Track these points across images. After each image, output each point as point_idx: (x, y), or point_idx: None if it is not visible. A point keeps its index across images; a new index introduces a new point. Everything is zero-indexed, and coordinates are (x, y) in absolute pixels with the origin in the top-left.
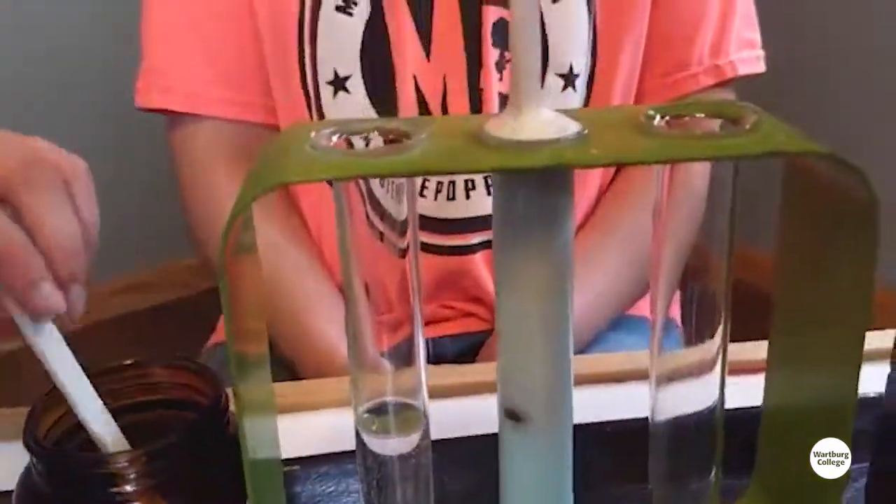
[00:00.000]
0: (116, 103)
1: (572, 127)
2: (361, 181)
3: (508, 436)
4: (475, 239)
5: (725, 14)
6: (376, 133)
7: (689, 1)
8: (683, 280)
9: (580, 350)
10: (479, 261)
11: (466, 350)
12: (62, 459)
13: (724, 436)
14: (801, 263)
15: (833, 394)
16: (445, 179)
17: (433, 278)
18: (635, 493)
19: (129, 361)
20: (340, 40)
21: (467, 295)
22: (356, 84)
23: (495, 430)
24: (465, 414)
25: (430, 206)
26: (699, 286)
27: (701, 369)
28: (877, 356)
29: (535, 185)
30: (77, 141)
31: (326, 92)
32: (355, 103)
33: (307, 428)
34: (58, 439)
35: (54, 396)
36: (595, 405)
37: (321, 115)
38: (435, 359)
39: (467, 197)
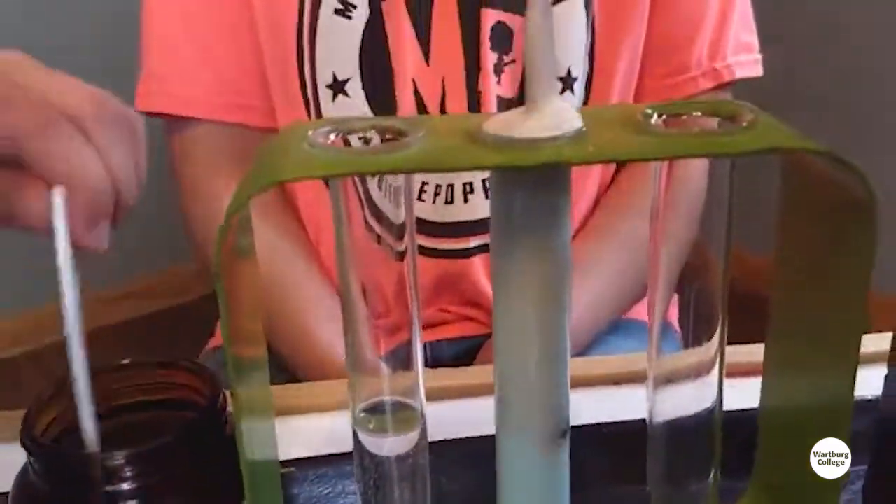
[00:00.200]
0: None
1: (570, 125)
2: (359, 184)
3: (505, 437)
4: (473, 242)
5: (723, 18)
6: (373, 132)
7: (688, 5)
8: (681, 283)
9: (578, 354)
10: (477, 264)
11: (464, 354)
12: (59, 457)
13: (723, 437)
14: (799, 263)
15: (830, 395)
16: (444, 183)
17: (431, 282)
18: (633, 495)
19: (127, 361)
20: (339, 43)
21: (465, 299)
22: (355, 87)
23: (492, 431)
24: (462, 416)
25: (429, 209)
26: (697, 289)
27: (699, 372)
28: (874, 359)
29: (533, 183)
30: None
31: (325, 95)
32: (354, 106)
33: (304, 430)
34: (55, 438)
35: (51, 396)
36: (592, 407)
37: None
38: (432, 362)
39: (465, 200)
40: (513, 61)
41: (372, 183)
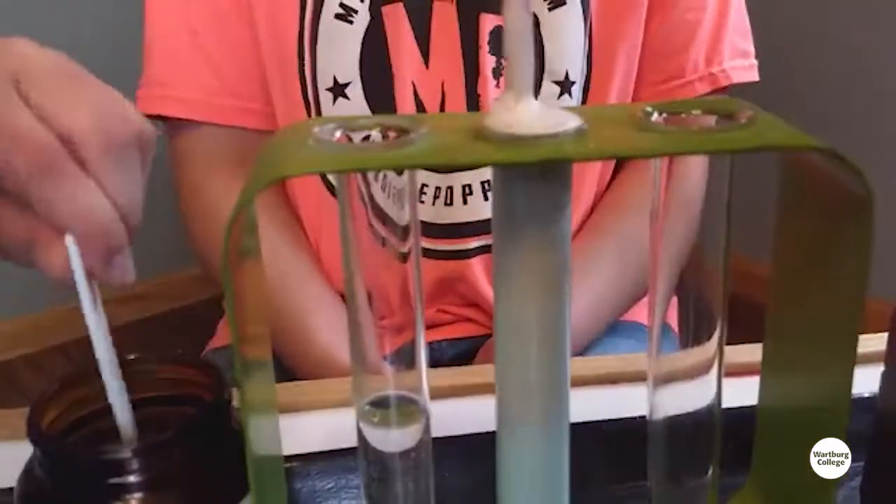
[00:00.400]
0: None
1: (571, 122)
2: (363, 187)
3: (506, 434)
4: (473, 243)
5: (719, 23)
6: (377, 130)
7: (684, 10)
8: (681, 282)
9: (578, 354)
10: (476, 266)
11: (463, 354)
12: (66, 451)
13: (722, 435)
14: (797, 262)
15: (828, 394)
16: (443, 185)
17: (431, 283)
18: (632, 492)
19: (132, 357)
20: (340, 47)
21: (465, 299)
22: (355, 91)
23: (493, 429)
24: (463, 414)
25: (429, 210)
26: (696, 289)
27: (698, 371)
28: (872, 358)
29: (535, 179)
30: None
31: (326, 98)
32: (354, 110)
33: (309, 427)
34: (61, 433)
35: (57, 391)
36: (591, 406)
37: None
38: (432, 363)
39: (464, 202)
40: None
41: (375, 185)
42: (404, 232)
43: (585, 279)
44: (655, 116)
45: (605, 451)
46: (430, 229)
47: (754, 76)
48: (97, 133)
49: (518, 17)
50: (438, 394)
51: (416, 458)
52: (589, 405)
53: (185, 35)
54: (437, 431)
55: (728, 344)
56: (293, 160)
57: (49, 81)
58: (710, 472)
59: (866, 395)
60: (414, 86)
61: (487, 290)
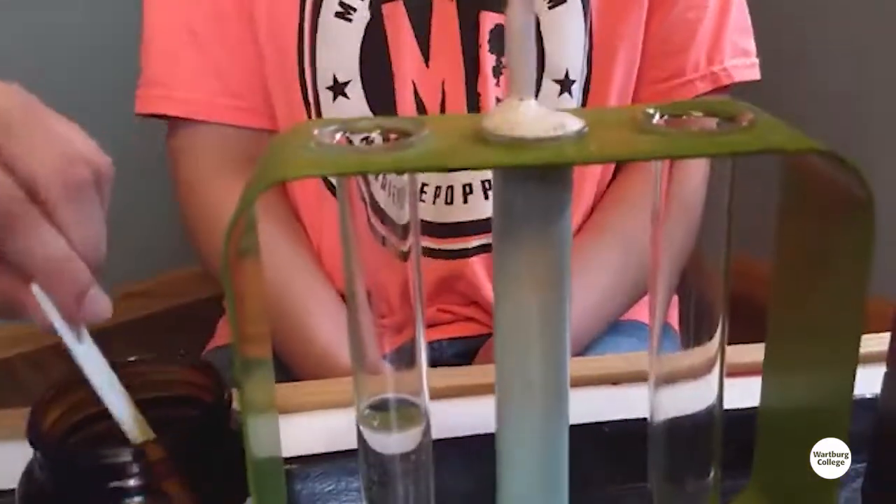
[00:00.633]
0: (115, 112)
1: (572, 125)
2: (363, 186)
3: (506, 434)
4: (473, 243)
5: (720, 22)
6: (377, 132)
7: (686, 8)
8: (681, 285)
9: (578, 353)
10: (476, 265)
11: (463, 353)
12: (66, 454)
13: (723, 436)
14: (798, 263)
15: (830, 394)
16: (444, 184)
17: (431, 282)
18: (633, 493)
19: (133, 358)
20: (340, 46)
21: (465, 299)
22: (355, 89)
23: (493, 430)
24: (463, 415)
25: (429, 210)
26: (697, 290)
27: (699, 372)
28: (873, 359)
29: (536, 181)
30: None
31: (326, 97)
32: (354, 108)
33: (309, 428)
34: (61, 435)
35: (57, 393)
36: (592, 406)
37: None
38: (432, 362)
39: (465, 201)
40: None
41: (375, 184)
42: (404, 231)
43: (586, 278)
44: (656, 119)
45: (605, 451)
46: (431, 228)
47: (755, 75)
48: (58, 174)
49: (521, 18)
50: (438, 394)
51: (417, 461)
52: (590, 405)
53: (184, 35)
54: (437, 433)
55: (729, 344)
56: (294, 162)
57: (8, 123)
58: (712, 473)
59: (868, 395)
60: (414, 84)
61: (488, 289)
